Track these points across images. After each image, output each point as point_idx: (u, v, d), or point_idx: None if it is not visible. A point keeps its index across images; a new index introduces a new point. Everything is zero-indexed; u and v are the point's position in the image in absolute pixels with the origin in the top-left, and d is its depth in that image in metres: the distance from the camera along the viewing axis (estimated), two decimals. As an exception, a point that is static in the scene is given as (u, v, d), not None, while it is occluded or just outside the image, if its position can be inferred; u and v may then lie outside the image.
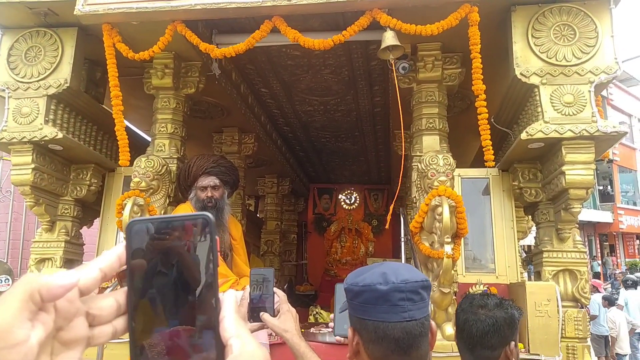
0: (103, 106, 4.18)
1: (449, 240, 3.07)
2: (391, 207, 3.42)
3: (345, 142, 7.12)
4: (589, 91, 3.17)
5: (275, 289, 1.80)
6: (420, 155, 3.56)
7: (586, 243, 23.38)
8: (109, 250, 0.58)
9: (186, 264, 0.61)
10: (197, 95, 4.17)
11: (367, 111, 5.90)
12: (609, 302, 8.81)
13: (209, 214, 0.61)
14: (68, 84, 3.55)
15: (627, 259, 25.14)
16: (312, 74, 4.93)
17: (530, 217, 4.01)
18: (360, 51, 4.44)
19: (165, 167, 3.64)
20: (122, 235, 3.52)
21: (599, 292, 9.78)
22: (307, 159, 8.04)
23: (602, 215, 23.39)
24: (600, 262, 22.90)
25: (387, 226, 3.39)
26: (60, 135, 3.46)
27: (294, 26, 3.40)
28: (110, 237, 3.87)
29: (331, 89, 5.30)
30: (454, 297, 3.23)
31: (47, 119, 3.52)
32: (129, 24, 3.37)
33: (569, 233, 3.37)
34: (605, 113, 23.53)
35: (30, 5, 3.46)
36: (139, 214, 3.42)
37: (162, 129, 3.91)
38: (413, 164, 3.69)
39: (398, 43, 3.23)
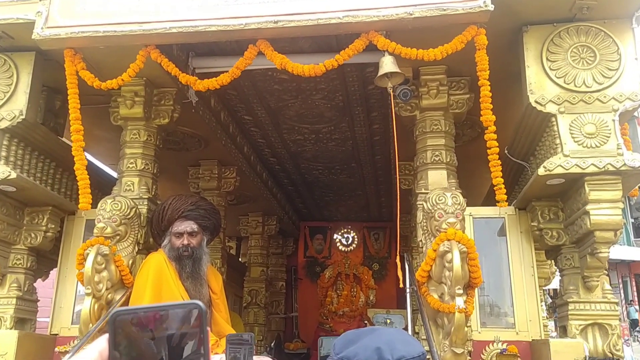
0: (63, 139, 4.24)
1: (461, 291, 3.11)
2: (397, 260, 3.47)
3: (341, 174, 7.21)
4: (613, 120, 3.29)
5: (255, 358, 1.82)
6: (426, 193, 3.63)
7: (620, 285, 23.34)
8: (88, 347, 0.62)
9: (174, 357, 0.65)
10: (172, 125, 4.25)
11: (365, 140, 6.01)
12: None
13: (200, 304, 0.66)
14: (23, 116, 3.61)
15: (668, 304, 25.10)
16: (301, 100, 5.05)
17: (552, 262, 4.07)
18: (355, 74, 4.57)
19: (134, 209, 3.68)
20: (82, 289, 3.52)
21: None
22: (297, 194, 8.10)
23: (637, 253, 23.45)
24: (637, 307, 22.84)
25: (401, 285, 3.44)
26: (13, 175, 3.50)
27: (281, 48, 3.51)
28: (68, 291, 3.86)
29: (324, 116, 5.41)
30: (469, 357, 3.25)
31: (-2, 156, 3.56)
32: (95, 48, 3.46)
33: (597, 281, 3.43)
34: (637, 135, 23.93)
35: (-19, 28, 3.56)
36: (103, 265, 3.43)
37: (130, 165, 3.96)
38: (418, 203, 3.76)
39: (397, 70, 3.34)
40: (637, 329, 17.22)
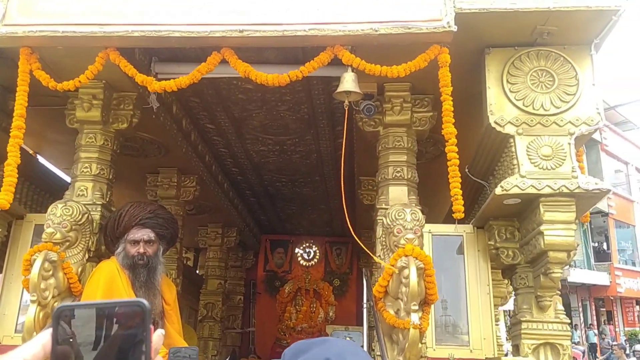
0: (15, 140, 4.16)
1: (416, 307, 3.18)
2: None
3: (304, 188, 7.27)
4: (569, 143, 3.44)
5: None
6: (386, 208, 3.71)
7: (580, 309, 23.99)
8: (32, 339, 0.65)
9: (116, 355, 0.68)
10: (130, 130, 4.23)
11: (329, 153, 6.09)
12: None
13: (144, 302, 0.69)
14: (-27, 114, 3.55)
15: (626, 328, 25.92)
16: (266, 110, 5.09)
17: (508, 281, 4.20)
18: (321, 87, 4.65)
19: (86, 215, 3.64)
20: (28, 296, 3.45)
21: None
22: (259, 206, 8.11)
23: (597, 277, 24.18)
24: (596, 331, 23.49)
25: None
26: (-42, 175, 3.43)
27: (247, 58, 3.56)
28: (13, 298, 3.78)
29: (288, 128, 5.47)
30: (423, 374, 3.32)
31: (-57, 154, 3.49)
32: (53, 48, 3.44)
33: (550, 301, 3.55)
34: (599, 160, 24.83)
35: None
36: (51, 272, 3.38)
37: (85, 170, 3.92)
38: (378, 218, 3.84)
39: (357, 89, 3.44)
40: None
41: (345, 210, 3.78)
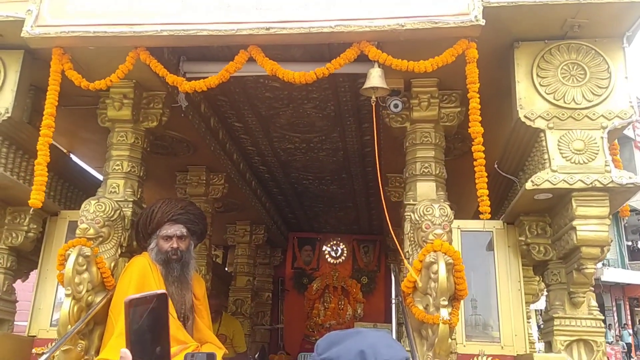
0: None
1: (446, 303, 3.15)
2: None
3: (331, 185, 7.26)
4: (602, 137, 3.36)
5: None
6: (414, 204, 3.69)
7: (614, 308, 23.46)
8: None
9: None
10: (160, 129, 4.29)
11: (356, 151, 6.07)
12: None
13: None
14: (9, 114, 3.65)
15: (661, 328, 25.23)
16: (293, 108, 5.11)
17: (540, 278, 4.13)
18: (347, 84, 4.64)
19: (118, 211, 3.71)
20: (62, 291, 3.53)
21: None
22: (287, 204, 8.14)
23: (631, 276, 23.60)
24: (631, 331, 22.95)
25: None
26: (-5, 173, 3.52)
27: (273, 55, 3.58)
28: (49, 293, 3.88)
29: (315, 125, 5.47)
30: (453, 370, 3.29)
31: (-19, 153, 3.59)
32: (84, 48, 3.51)
33: (583, 297, 3.48)
34: (633, 158, 24.20)
35: (-30, 25, 3.60)
36: (84, 267, 3.45)
37: (116, 167, 3.99)
38: (406, 214, 3.81)
39: (384, 85, 3.43)
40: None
41: (384, 205, 3.76)
